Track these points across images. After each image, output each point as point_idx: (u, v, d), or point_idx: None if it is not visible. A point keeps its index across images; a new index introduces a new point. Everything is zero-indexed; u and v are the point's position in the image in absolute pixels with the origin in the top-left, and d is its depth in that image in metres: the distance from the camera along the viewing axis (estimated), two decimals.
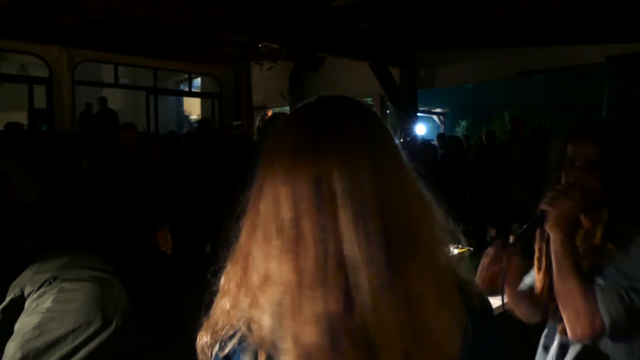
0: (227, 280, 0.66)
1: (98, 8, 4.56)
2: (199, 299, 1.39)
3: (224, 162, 4.45)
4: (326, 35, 5.33)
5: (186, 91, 10.45)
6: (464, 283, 0.64)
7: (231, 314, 0.63)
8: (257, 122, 10.51)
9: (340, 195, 0.57)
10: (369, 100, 10.36)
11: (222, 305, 0.66)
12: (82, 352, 1.15)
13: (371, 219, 0.57)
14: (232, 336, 0.62)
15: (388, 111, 7.84)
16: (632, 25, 4.72)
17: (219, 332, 0.64)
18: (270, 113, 10.55)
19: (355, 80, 7.18)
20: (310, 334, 0.56)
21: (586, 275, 1.03)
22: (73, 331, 1.17)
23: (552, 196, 1.07)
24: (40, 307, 1.20)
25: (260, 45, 5.89)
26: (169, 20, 4.52)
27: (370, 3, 4.42)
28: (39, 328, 1.16)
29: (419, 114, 8.00)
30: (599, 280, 1.02)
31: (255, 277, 0.60)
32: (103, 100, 8.24)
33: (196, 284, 1.37)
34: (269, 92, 8.57)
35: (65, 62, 6.90)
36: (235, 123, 7.23)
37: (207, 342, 0.66)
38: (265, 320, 0.58)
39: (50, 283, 1.23)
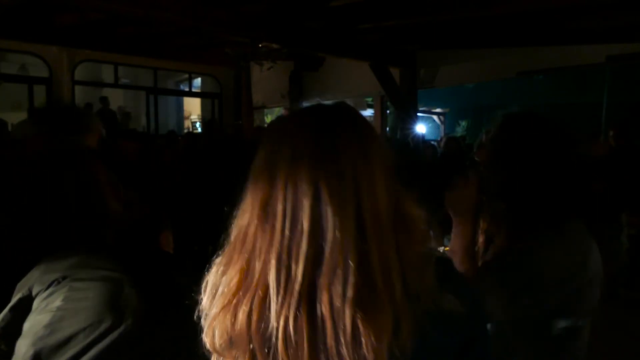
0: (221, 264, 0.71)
1: (98, 8, 4.56)
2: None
3: (224, 162, 4.45)
4: (326, 35, 5.33)
5: (186, 91, 10.46)
6: (437, 314, 0.61)
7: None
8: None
9: (278, 220, 0.60)
10: (369, 100, 10.38)
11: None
12: (93, 351, 1.16)
13: (301, 246, 0.59)
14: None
15: (388, 111, 7.85)
16: (632, 25, 4.73)
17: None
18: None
19: (355, 80, 7.18)
20: (217, 335, 0.64)
21: (473, 259, 1.08)
22: (84, 329, 1.18)
23: (454, 181, 1.13)
24: (51, 305, 1.20)
25: (260, 45, 5.90)
26: (169, 20, 4.52)
27: (370, 3, 4.42)
28: (50, 326, 1.17)
29: (419, 114, 8.00)
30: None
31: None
32: (104, 100, 8.25)
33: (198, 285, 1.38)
34: (269, 92, 8.58)
35: (65, 62, 6.90)
36: (235, 123, 7.25)
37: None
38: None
39: (59, 282, 1.24)
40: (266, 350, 0.60)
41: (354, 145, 0.62)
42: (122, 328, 1.18)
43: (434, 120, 12.97)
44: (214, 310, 0.65)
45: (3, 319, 1.21)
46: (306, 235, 0.58)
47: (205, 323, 0.68)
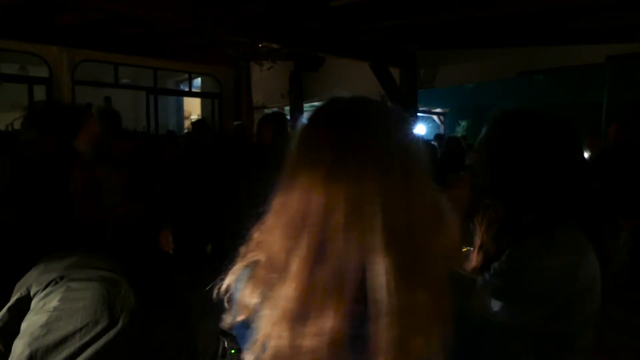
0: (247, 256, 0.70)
1: (98, 8, 4.56)
2: (204, 299, 1.39)
3: (223, 162, 4.45)
4: (326, 35, 5.33)
5: (186, 91, 10.45)
6: (462, 293, 0.64)
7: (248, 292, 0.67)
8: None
9: (377, 213, 0.59)
10: None
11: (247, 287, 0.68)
12: (89, 351, 1.16)
13: (393, 241, 0.59)
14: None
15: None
16: (632, 25, 4.73)
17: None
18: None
19: (355, 80, 7.18)
20: (310, 343, 0.59)
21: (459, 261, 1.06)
22: (80, 329, 1.18)
23: (448, 181, 1.12)
24: (48, 305, 1.21)
25: (260, 45, 5.89)
26: (169, 20, 4.52)
27: (370, 3, 4.42)
28: (47, 326, 1.17)
29: (419, 114, 8.00)
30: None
31: (270, 267, 0.64)
32: (108, 100, 8.25)
33: (201, 285, 1.38)
34: (269, 92, 8.58)
35: (65, 62, 6.90)
36: (235, 123, 7.24)
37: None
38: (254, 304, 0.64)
39: (56, 282, 1.24)
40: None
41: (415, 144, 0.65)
42: (118, 328, 1.18)
43: (434, 120, 12.97)
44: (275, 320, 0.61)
45: (1, 319, 1.21)
46: (398, 232, 0.59)
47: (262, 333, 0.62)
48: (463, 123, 13.51)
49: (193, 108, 11.49)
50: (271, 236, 0.65)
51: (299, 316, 0.59)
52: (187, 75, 9.37)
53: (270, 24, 4.81)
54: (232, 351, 1.73)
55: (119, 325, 1.18)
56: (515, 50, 5.72)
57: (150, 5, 4.05)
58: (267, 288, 0.64)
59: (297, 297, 0.59)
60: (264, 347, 0.61)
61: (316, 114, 0.69)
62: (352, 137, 0.63)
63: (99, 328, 1.16)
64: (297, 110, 8.16)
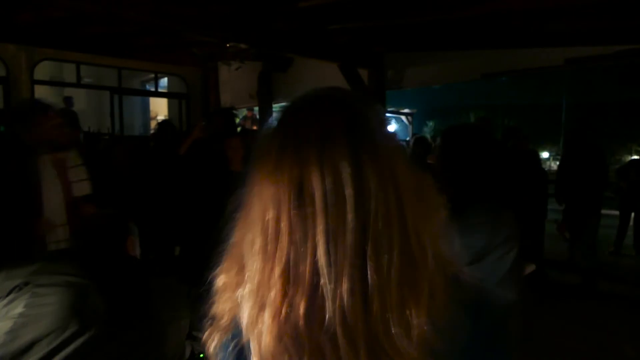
0: (225, 277, 0.68)
1: (60, 6, 4.43)
2: (171, 303, 1.38)
3: (189, 163, 4.38)
4: (295, 35, 5.33)
5: (152, 91, 10.25)
6: (457, 277, 0.64)
7: (230, 310, 0.66)
8: (240, 122, 10.42)
9: (318, 199, 0.58)
10: None
11: (223, 302, 0.68)
12: (58, 357, 1.13)
13: (346, 220, 0.58)
14: (229, 330, 0.66)
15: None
16: (590, 29, 4.92)
17: (222, 327, 0.68)
18: (250, 114, 10.50)
19: (324, 80, 7.20)
20: (269, 340, 0.59)
21: None
22: (47, 335, 1.14)
23: None
24: (12, 312, 1.17)
25: (228, 45, 5.83)
26: (134, 18, 4.41)
27: (338, 5, 4.45)
28: (12, 333, 1.13)
29: (387, 114, 8.10)
30: None
31: (245, 276, 0.63)
32: (68, 100, 8.00)
33: (168, 289, 1.36)
34: (238, 92, 8.50)
35: (23, 60, 6.65)
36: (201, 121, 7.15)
37: (213, 338, 0.69)
38: (244, 320, 0.62)
39: (20, 289, 1.20)
40: (327, 338, 0.58)
41: (380, 121, 0.66)
42: (87, 334, 1.15)
43: (402, 121, 13.17)
44: (262, 314, 0.60)
45: None
46: (351, 209, 0.58)
47: (248, 331, 0.62)
48: (430, 123, 13.76)
49: (160, 108, 11.28)
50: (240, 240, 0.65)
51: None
52: (153, 75, 9.19)
53: (238, 23, 4.77)
54: (201, 355, 1.71)
55: (88, 331, 1.15)
56: (479, 53, 5.86)
57: (114, 3, 3.95)
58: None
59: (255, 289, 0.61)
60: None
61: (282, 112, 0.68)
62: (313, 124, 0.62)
63: (68, 333, 1.13)
64: (266, 111, 8.12)
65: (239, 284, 0.65)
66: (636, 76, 5.90)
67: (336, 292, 0.57)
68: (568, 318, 4.32)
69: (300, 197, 0.59)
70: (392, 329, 0.57)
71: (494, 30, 5.18)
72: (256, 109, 9.44)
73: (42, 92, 7.24)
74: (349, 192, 0.58)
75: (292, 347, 0.58)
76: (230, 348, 0.65)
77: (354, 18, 4.98)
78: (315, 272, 0.58)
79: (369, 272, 0.57)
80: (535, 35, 5.15)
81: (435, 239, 0.62)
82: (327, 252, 0.57)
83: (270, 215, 0.60)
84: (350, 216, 0.58)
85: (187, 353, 1.57)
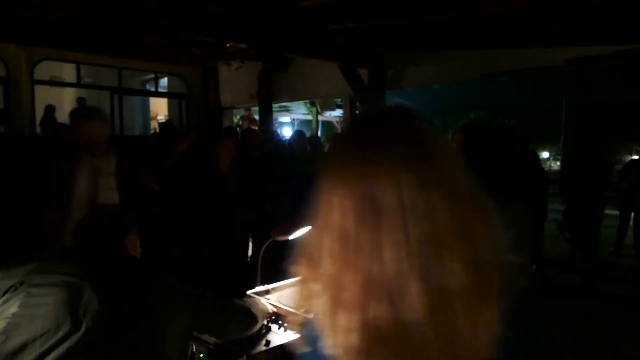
0: (301, 271, 0.73)
1: (59, 5, 4.42)
2: (169, 303, 1.37)
3: (189, 163, 4.39)
4: (295, 35, 5.32)
5: (152, 91, 10.25)
6: (509, 277, 0.68)
7: (307, 303, 0.73)
8: (238, 122, 10.42)
9: (388, 208, 0.63)
10: (338, 100, 10.42)
11: (303, 292, 0.73)
12: (51, 356, 1.12)
13: (410, 231, 0.62)
14: (308, 322, 0.74)
15: (357, 112, 7.91)
16: (590, 29, 4.92)
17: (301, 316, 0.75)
18: (247, 114, 10.50)
19: (324, 80, 7.20)
20: (342, 336, 0.64)
21: None
22: (41, 336, 1.14)
23: None
24: (6, 312, 1.16)
25: (228, 45, 5.83)
26: (134, 18, 4.41)
27: (338, 5, 4.45)
28: (5, 333, 1.13)
29: None
30: None
31: (319, 274, 0.69)
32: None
33: (166, 289, 1.36)
34: (238, 92, 8.50)
35: (23, 60, 6.65)
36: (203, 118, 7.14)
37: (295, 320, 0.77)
38: (318, 314, 0.69)
39: (16, 289, 1.20)
40: (399, 337, 0.62)
41: (441, 135, 0.71)
42: (81, 333, 1.14)
43: None
44: (336, 311, 0.66)
45: None
46: (418, 218, 0.62)
47: (322, 324, 0.68)
48: None
49: (160, 108, 11.28)
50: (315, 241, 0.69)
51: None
52: (153, 75, 9.19)
53: (238, 23, 4.77)
54: (201, 355, 1.71)
55: (82, 330, 1.14)
56: (479, 53, 5.86)
57: (114, 3, 3.95)
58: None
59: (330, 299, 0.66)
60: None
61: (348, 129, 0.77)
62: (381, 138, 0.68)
63: (60, 334, 1.12)
64: (266, 111, 8.12)
65: (313, 279, 0.70)
66: (636, 76, 5.90)
67: (408, 295, 0.61)
68: (568, 318, 4.31)
69: (371, 206, 0.63)
70: (463, 329, 0.62)
71: (494, 30, 5.18)
72: (254, 109, 9.44)
73: (42, 92, 7.25)
74: (416, 202, 0.63)
75: (365, 344, 0.63)
76: (308, 335, 0.73)
77: (354, 18, 4.98)
78: (387, 275, 0.62)
79: (438, 277, 0.62)
80: (535, 35, 5.15)
81: (491, 243, 0.66)
82: (397, 258, 0.62)
83: (342, 221, 0.64)
84: (417, 224, 0.62)
85: (188, 353, 1.57)
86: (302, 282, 0.73)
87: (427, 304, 0.61)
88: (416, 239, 0.62)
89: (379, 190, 0.63)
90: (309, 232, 0.71)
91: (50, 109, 7.58)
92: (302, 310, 0.74)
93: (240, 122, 10.48)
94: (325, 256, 0.66)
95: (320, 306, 0.68)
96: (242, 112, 10.62)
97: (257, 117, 9.66)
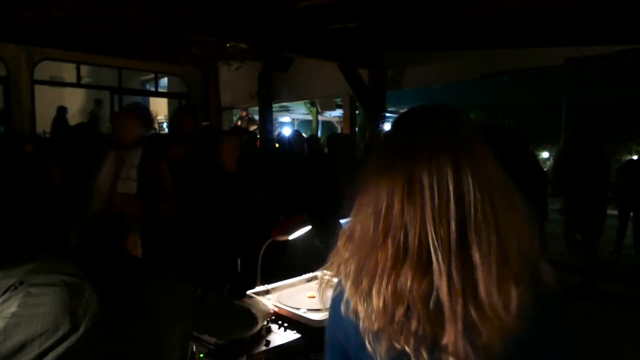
0: (341, 243, 0.82)
1: (60, 5, 4.42)
2: (169, 303, 1.37)
3: (192, 162, 4.38)
4: (295, 35, 5.32)
5: (152, 91, 10.24)
6: (538, 269, 0.75)
7: (340, 268, 0.81)
8: (236, 122, 10.41)
9: (426, 191, 0.72)
10: (338, 100, 10.42)
11: (338, 259, 0.82)
12: (50, 357, 1.12)
13: (449, 210, 0.71)
14: (339, 285, 0.82)
15: (357, 111, 7.90)
16: (590, 29, 4.92)
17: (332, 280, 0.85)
18: (245, 114, 10.49)
19: (324, 80, 7.20)
20: (376, 303, 0.72)
21: None
22: (40, 335, 1.14)
23: None
24: (6, 312, 1.16)
25: (228, 45, 5.83)
26: (134, 18, 4.41)
27: (338, 5, 4.44)
28: (5, 333, 1.13)
29: (387, 115, 8.09)
30: None
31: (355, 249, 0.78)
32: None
33: (166, 289, 1.35)
34: (238, 92, 8.50)
35: (23, 60, 6.65)
36: (203, 124, 7.14)
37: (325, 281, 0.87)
38: (350, 283, 0.77)
39: (15, 288, 1.20)
40: (429, 307, 0.70)
41: (476, 129, 0.80)
42: (80, 333, 1.14)
43: None
44: (369, 287, 0.74)
45: None
46: (453, 201, 0.71)
47: (353, 301, 0.76)
48: None
49: (160, 108, 11.28)
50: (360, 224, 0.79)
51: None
52: (153, 75, 9.19)
53: (238, 23, 4.77)
54: (201, 355, 1.71)
55: (81, 330, 1.14)
56: (479, 53, 5.86)
57: (114, 3, 3.95)
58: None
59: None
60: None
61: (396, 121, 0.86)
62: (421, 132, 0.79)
63: (59, 334, 1.12)
64: (265, 111, 8.12)
65: (349, 254, 0.79)
66: (636, 76, 5.89)
67: (444, 269, 0.69)
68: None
69: (411, 189, 0.73)
70: (495, 300, 0.68)
71: (494, 30, 5.18)
72: (254, 109, 9.44)
73: (42, 92, 7.25)
74: (451, 187, 0.72)
75: (396, 311, 0.71)
76: (338, 301, 0.81)
77: (354, 18, 4.98)
78: (423, 250, 0.71)
79: (472, 254, 0.70)
80: (535, 35, 5.15)
81: (519, 231, 0.74)
82: (434, 235, 0.70)
83: (385, 202, 0.74)
84: (452, 207, 0.71)
85: (188, 354, 1.57)
86: (335, 253, 0.82)
87: (462, 278, 0.69)
88: (450, 217, 0.70)
89: (421, 174, 0.72)
90: (353, 216, 0.80)
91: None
92: (327, 280, 0.84)
93: (239, 123, 10.48)
94: (365, 233, 0.76)
95: (351, 273, 0.77)
96: (240, 112, 10.60)
97: (256, 117, 9.65)
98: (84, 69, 8.06)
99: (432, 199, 0.71)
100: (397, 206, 0.73)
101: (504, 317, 0.67)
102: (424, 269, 0.70)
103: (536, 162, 5.71)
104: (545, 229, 5.42)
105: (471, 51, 5.91)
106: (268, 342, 1.75)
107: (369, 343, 0.73)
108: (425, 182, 0.72)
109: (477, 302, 0.68)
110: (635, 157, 9.84)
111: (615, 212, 7.34)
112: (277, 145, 6.11)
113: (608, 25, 4.78)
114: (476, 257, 0.69)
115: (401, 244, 0.72)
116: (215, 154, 3.95)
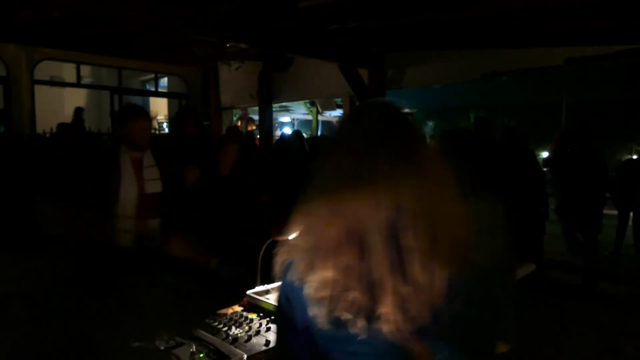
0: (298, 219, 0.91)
1: (60, 5, 4.42)
2: (156, 296, 1.38)
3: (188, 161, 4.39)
4: (295, 35, 5.32)
5: (152, 91, 10.24)
6: (471, 257, 0.84)
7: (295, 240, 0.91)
8: (236, 123, 10.41)
9: (367, 183, 0.83)
10: (338, 100, 10.42)
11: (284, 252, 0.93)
12: None
13: (387, 200, 0.81)
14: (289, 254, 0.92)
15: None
16: (590, 29, 4.92)
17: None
18: (244, 113, 10.48)
19: (324, 80, 7.20)
20: (321, 274, 0.82)
21: None
22: None
23: None
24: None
25: (228, 45, 5.83)
26: (134, 18, 4.41)
27: (338, 5, 4.44)
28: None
29: None
30: None
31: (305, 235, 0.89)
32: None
33: (153, 282, 1.36)
34: (238, 92, 8.50)
35: (23, 60, 6.65)
36: (204, 123, 7.14)
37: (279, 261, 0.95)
38: (299, 255, 0.88)
39: None
40: (365, 282, 0.81)
41: (409, 125, 0.90)
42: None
43: None
44: (315, 260, 0.84)
45: None
46: (391, 192, 0.81)
47: (300, 271, 0.86)
48: (431, 123, 13.75)
49: (160, 108, 11.28)
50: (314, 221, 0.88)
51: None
52: (153, 75, 9.19)
53: (238, 23, 4.77)
54: (201, 355, 1.71)
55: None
56: (479, 53, 5.86)
57: (114, 3, 3.95)
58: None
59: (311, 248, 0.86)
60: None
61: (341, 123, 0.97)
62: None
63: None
64: (265, 111, 8.12)
65: (303, 229, 0.89)
66: (636, 76, 5.89)
67: (379, 250, 0.80)
68: (568, 318, 4.32)
69: (356, 181, 0.83)
70: (421, 279, 0.79)
71: (494, 30, 5.18)
72: (253, 109, 9.44)
73: (42, 92, 7.25)
74: (389, 180, 0.82)
75: (336, 284, 0.81)
76: (287, 269, 0.91)
77: (354, 18, 4.98)
78: (362, 233, 0.81)
79: (404, 238, 0.80)
80: (535, 35, 5.15)
81: (453, 222, 0.83)
82: (372, 220, 0.80)
83: (334, 190, 0.84)
84: (389, 197, 0.81)
85: (188, 353, 1.57)
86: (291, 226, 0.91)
87: (386, 255, 0.79)
88: (387, 206, 0.80)
89: (363, 169, 0.83)
90: (308, 195, 0.88)
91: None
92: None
93: (239, 123, 10.48)
94: (316, 215, 0.86)
95: (301, 246, 0.87)
96: (239, 112, 10.60)
97: (256, 117, 9.65)
98: (84, 69, 8.05)
99: (373, 191, 0.81)
100: (343, 195, 0.82)
101: (430, 294, 0.78)
102: (362, 249, 0.81)
103: (536, 162, 5.71)
104: (546, 228, 5.44)
105: (471, 51, 5.91)
106: (268, 342, 1.75)
107: (312, 308, 0.83)
108: (367, 176, 0.82)
109: (406, 279, 0.79)
110: (635, 157, 9.84)
111: (615, 212, 7.34)
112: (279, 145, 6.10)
113: (608, 25, 4.78)
114: (407, 241, 0.80)
115: (345, 227, 0.82)
116: (212, 158, 3.98)
